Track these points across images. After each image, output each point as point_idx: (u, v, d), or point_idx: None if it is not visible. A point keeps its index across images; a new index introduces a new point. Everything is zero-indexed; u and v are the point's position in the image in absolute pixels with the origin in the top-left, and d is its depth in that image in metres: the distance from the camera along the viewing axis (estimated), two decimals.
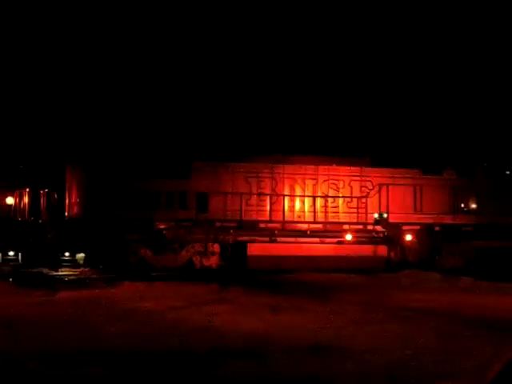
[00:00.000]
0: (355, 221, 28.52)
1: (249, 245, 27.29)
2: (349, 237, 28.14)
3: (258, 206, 27.70)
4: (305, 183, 28.30)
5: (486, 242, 28.43)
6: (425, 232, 29.00)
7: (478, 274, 24.88)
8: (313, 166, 28.35)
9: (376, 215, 28.50)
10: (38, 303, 17.33)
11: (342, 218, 28.46)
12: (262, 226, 27.80)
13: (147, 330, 13.41)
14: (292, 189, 28.17)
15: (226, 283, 21.55)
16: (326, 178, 28.51)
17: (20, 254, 25.89)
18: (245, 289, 20.55)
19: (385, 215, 28.38)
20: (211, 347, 11.59)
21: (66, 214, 26.71)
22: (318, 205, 28.13)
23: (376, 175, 28.82)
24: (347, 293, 20.43)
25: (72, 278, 24.66)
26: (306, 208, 28.17)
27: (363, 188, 28.65)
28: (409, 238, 28.80)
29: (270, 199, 27.68)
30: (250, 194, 27.49)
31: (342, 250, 27.91)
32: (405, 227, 28.79)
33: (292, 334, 13.12)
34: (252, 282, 23.20)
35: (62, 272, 25.87)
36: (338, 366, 10.46)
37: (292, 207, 28.10)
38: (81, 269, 26.51)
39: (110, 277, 23.85)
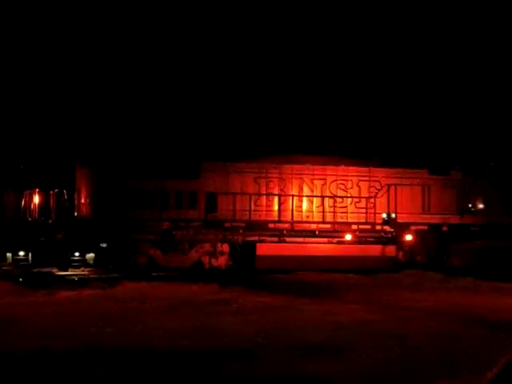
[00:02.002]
0: (363, 221, 28.62)
1: (258, 245, 27.40)
2: (348, 237, 28.24)
3: (266, 206, 27.82)
4: (313, 183, 28.39)
5: (492, 243, 28.44)
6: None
7: (480, 274, 24.91)
8: (321, 166, 28.46)
9: (384, 215, 28.55)
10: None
11: (351, 218, 28.56)
12: (270, 226, 27.90)
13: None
14: (300, 189, 28.26)
15: (228, 283, 21.64)
16: (335, 178, 28.59)
17: (30, 255, 26.01)
18: (246, 289, 20.65)
19: (393, 215, 28.42)
20: (210, 347, 11.70)
21: (76, 214, 26.82)
22: (327, 205, 28.20)
23: (384, 175, 28.88)
24: (350, 292, 20.54)
25: (77, 277, 24.73)
26: (315, 208, 28.24)
27: (371, 188, 28.72)
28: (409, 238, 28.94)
29: (279, 199, 27.78)
30: (259, 194, 27.62)
31: (351, 251, 28.00)
32: (412, 227, 28.88)
33: (291, 334, 13.22)
34: (256, 281, 23.29)
35: (71, 272, 26.01)
36: (337, 366, 10.54)
37: (300, 207, 28.18)
38: (90, 269, 26.66)
39: (112, 277, 24.00)
